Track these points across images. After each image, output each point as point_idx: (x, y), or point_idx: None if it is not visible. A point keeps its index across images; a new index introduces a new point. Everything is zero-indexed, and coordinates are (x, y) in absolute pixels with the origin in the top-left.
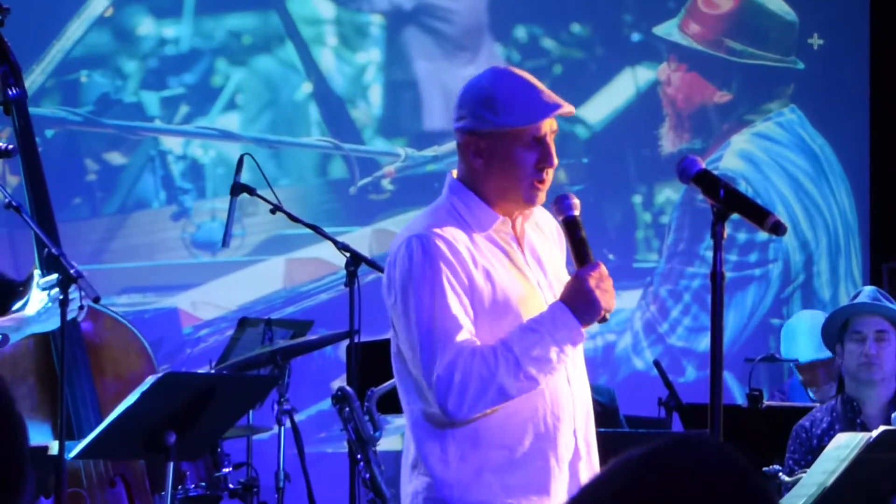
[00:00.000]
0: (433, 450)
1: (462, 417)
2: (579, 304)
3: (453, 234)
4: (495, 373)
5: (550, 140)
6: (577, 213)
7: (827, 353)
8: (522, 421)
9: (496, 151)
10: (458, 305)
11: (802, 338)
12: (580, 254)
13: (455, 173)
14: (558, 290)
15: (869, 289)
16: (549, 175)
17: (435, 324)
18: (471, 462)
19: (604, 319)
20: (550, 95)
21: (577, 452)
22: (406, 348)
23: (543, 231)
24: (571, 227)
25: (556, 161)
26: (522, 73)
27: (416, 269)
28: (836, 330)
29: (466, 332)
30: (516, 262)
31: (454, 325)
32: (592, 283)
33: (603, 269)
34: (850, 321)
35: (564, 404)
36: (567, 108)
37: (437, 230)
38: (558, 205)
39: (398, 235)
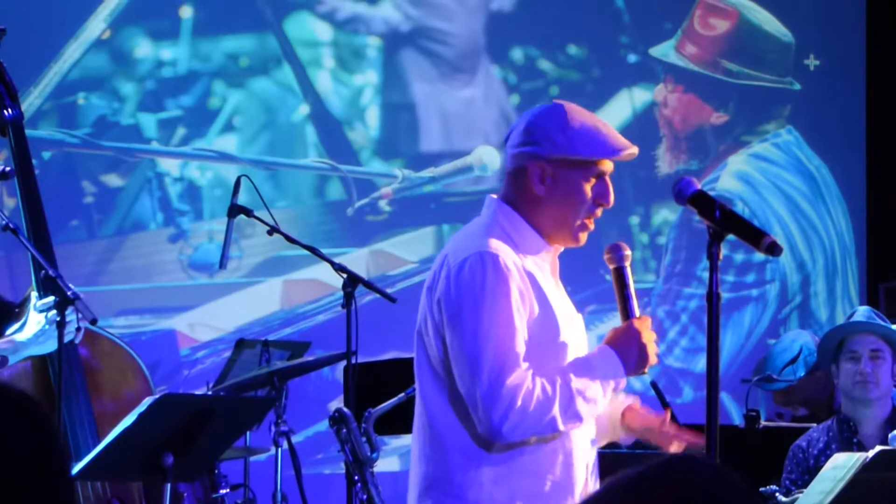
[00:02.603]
0: (467, 472)
1: (511, 439)
2: (629, 355)
3: (514, 257)
4: (553, 404)
5: (609, 179)
6: (627, 264)
7: (777, 385)
8: (553, 451)
9: (562, 179)
10: (523, 328)
11: (775, 355)
12: (626, 305)
13: (495, 197)
14: (569, 328)
15: (863, 309)
16: (598, 216)
17: (504, 343)
18: (504, 487)
19: (643, 372)
20: (619, 135)
21: (586, 485)
22: (459, 362)
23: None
24: (622, 278)
25: (612, 200)
26: (591, 114)
27: (488, 286)
28: (832, 350)
29: (527, 359)
30: (554, 292)
31: (521, 347)
32: (644, 337)
33: (649, 321)
34: (846, 340)
35: (584, 437)
36: (635, 149)
37: (505, 250)
38: (612, 253)
39: (456, 252)
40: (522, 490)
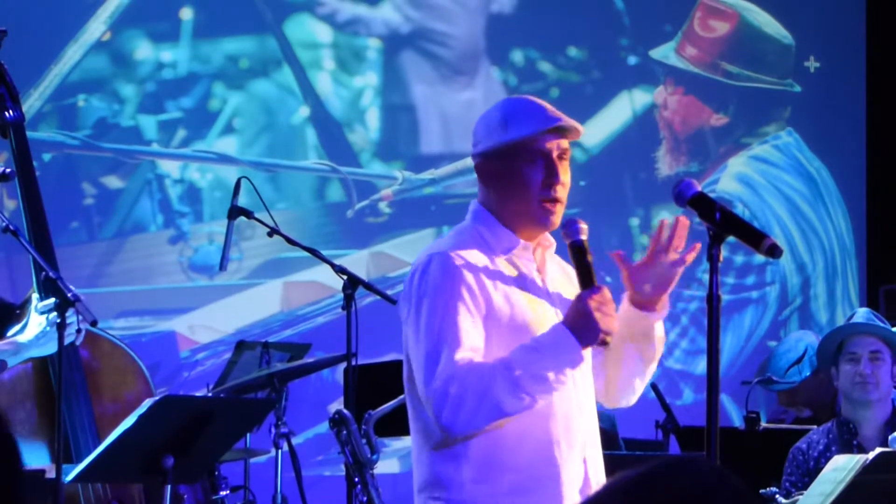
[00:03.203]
0: (447, 471)
1: (457, 432)
2: (579, 325)
3: (476, 256)
4: (491, 388)
5: (557, 159)
6: (584, 237)
7: (781, 386)
8: (536, 445)
9: (505, 170)
10: (467, 324)
11: (779, 355)
12: (585, 278)
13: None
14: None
15: (863, 310)
16: (559, 194)
17: (440, 339)
18: (485, 485)
19: (604, 343)
20: (556, 111)
21: (587, 480)
22: (413, 362)
23: (567, 274)
24: (578, 252)
25: (562, 178)
26: (533, 97)
27: (432, 285)
28: (832, 352)
29: (468, 350)
30: (535, 289)
31: (458, 341)
32: (593, 305)
33: (606, 292)
34: (845, 342)
35: (575, 431)
36: (569, 121)
37: (460, 251)
38: (566, 229)
39: (420, 255)
40: (503, 487)
